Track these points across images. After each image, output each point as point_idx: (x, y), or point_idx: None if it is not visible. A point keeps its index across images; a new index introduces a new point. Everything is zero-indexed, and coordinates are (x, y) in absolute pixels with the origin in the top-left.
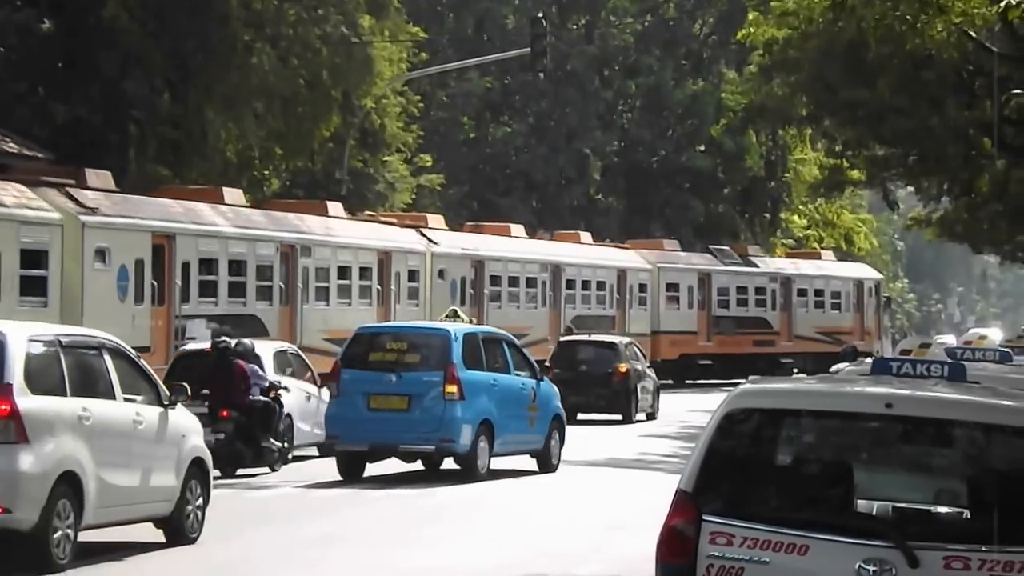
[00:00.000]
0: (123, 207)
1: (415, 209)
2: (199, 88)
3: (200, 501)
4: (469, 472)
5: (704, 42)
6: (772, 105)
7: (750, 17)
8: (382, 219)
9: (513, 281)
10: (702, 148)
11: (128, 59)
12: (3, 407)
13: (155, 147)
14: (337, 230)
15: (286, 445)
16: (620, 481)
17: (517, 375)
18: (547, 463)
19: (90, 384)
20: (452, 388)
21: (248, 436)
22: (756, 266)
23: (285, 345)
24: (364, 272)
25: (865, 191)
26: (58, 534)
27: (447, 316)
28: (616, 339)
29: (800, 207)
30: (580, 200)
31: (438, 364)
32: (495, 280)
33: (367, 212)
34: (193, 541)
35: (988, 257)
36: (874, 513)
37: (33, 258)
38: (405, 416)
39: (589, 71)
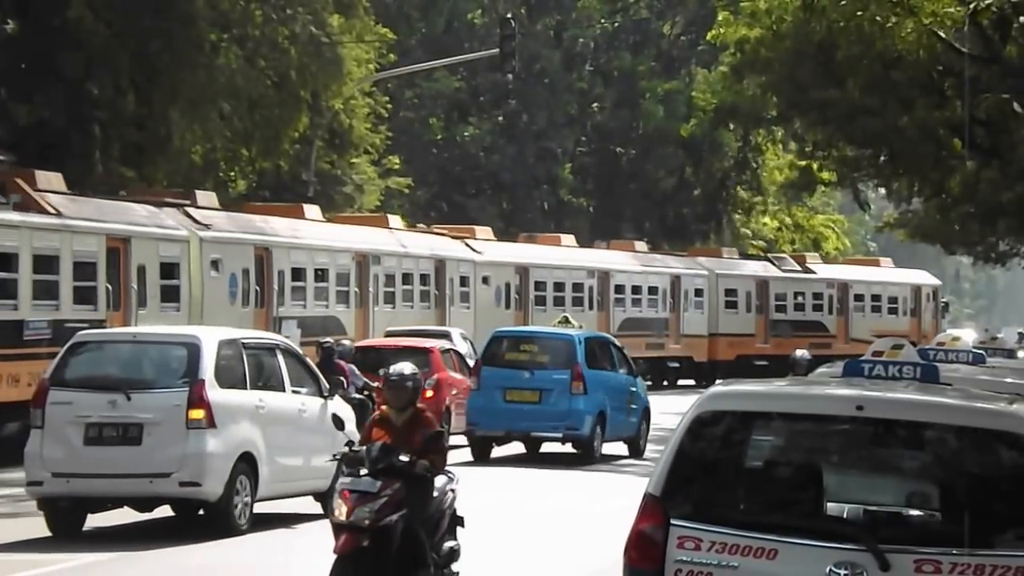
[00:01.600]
0: (230, 223)
1: (383, 211)
2: (164, 89)
3: None
4: (588, 456)
5: (674, 42)
6: (743, 105)
7: (720, 17)
8: (435, 231)
9: (559, 287)
10: (672, 149)
11: (92, 60)
12: (197, 399)
13: (119, 149)
14: (399, 241)
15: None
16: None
17: (619, 372)
18: (637, 449)
19: (265, 379)
20: (577, 384)
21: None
22: (814, 273)
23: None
24: (424, 278)
25: (836, 191)
26: (238, 504)
27: (559, 322)
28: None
29: (770, 208)
30: (550, 201)
31: (565, 364)
32: (540, 286)
33: (420, 225)
34: None
35: (961, 258)
36: (845, 516)
37: (167, 270)
38: (537, 408)
39: (558, 71)
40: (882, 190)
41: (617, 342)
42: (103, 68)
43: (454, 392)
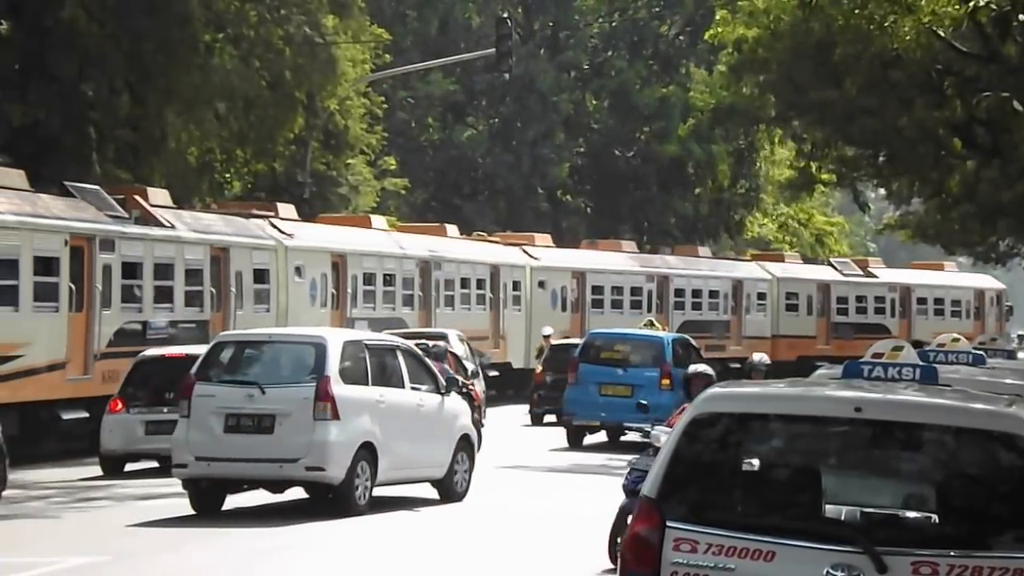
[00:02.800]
0: (309, 233)
1: (379, 212)
2: (159, 90)
3: (467, 468)
4: None
5: (672, 42)
6: (741, 106)
7: (718, 16)
8: (490, 239)
9: (617, 291)
10: (671, 148)
11: (86, 60)
12: (324, 393)
13: (114, 150)
14: (457, 249)
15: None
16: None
17: None
18: None
19: (386, 376)
20: (666, 381)
21: None
22: (876, 277)
23: None
24: (480, 283)
25: (835, 192)
26: (359, 487)
27: (645, 325)
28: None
29: (769, 209)
30: (546, 203)
31: (655, 363)
32: (597, 290)
33: (476, 232)
34: (461, 499)
35: (961, 258)
36: (842, 518)
37: (259, 275)
38: (629, 401)
39: (555, 72)
40: (882, 190)
41: (695, 343)
42: (97, 68)
43: None
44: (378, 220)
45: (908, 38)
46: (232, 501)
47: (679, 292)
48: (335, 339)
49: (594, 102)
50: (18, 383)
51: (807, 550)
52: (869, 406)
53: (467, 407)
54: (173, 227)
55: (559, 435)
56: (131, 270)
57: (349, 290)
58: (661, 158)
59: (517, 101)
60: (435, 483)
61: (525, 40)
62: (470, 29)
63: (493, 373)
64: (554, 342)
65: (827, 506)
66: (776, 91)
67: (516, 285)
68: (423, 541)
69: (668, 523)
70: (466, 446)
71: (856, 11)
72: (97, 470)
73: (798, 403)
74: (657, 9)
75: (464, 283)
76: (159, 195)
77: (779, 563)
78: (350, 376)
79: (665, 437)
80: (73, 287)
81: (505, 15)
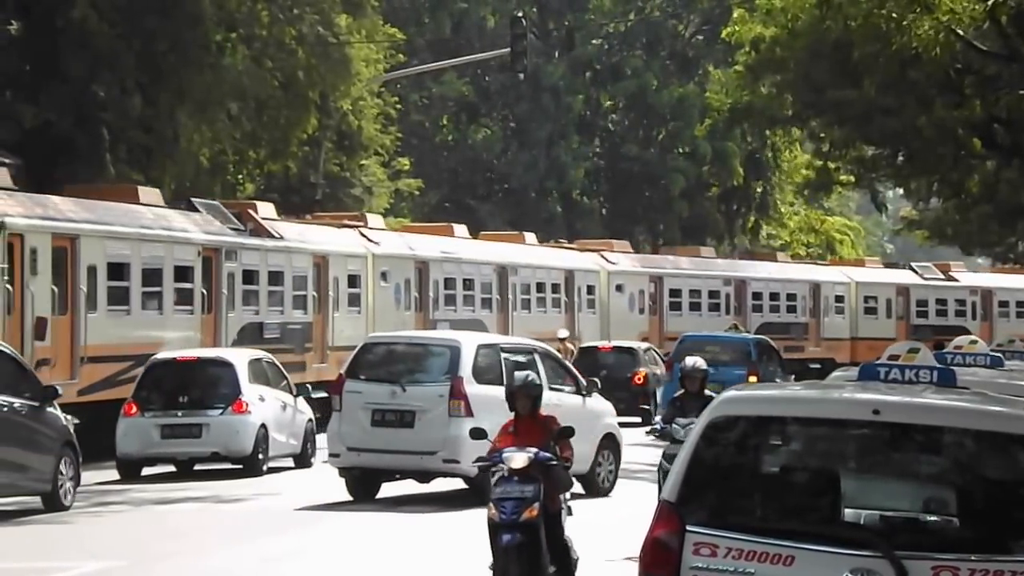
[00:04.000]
0: (394, 242)
1: (392, 214)
2: (171, 90)
3: (611, 465)
4: None
5: (689, 41)
6: (759, 105)
7: (735, 15)
8: (567, 246)
9: (694, 293)
10: (687, 150)
11: (98, 61)
12: (456, 392)
13: (126, 150)
14: (533, 255)
15: None
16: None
17: (778, 370)
18: None
19: None
20: (753, 378)
21: None
22: (956, 280)
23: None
24: (555, 287)
25: (853, 193)
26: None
27: (730, 328)
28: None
29: (784, 210)
30: (561, 203)
31: (743, 362)
32: (674, 293)
33: (554, 241)
34: (606, 494)
35: (979, 259)
36: (861, 522)
37: (352, 280)
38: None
39: (570, 73)
40: (900, 190)
41: (774, 344)
42: (109, 69)
43: None
44: (460, 229)
45: (927, 37)
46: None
47: (756, 295)
48: (470, 342)
49: (609, 103)
50: None
51: (826, 554)
52: (887, 409)
53: (611, 407)
54: (282, 238)
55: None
56: (249, 277)
57: (431, 294)
58: (677, 159)
59: (531, 101)
60: (578, 478)
61: (540, 40)
62: (484, 29)
63: None
64: (582, 345)
65: (846, 510)
66: (794, 90)
67: (591, 289)
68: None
69: (688, 527)
70: (611, 444)
71: (874, 10)
72: (114, 473)
73: (816, 406)
74: (671, 9)
75: (540, 287)
76: (266, 208)
77: (798, 567)
78: (485, 377)
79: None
80: (204, 292)
81: (520, 15)
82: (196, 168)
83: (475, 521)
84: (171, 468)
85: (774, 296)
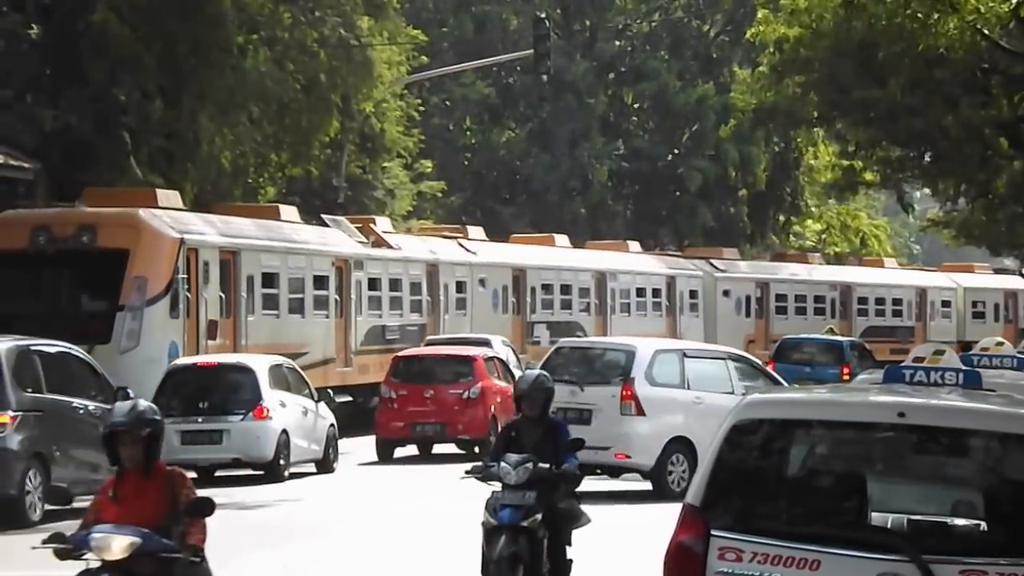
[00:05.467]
0: (492, 251)
1: (415, 216)
2: (192, 93)
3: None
4: None
5: (713, 42)
6: (783, 106)
7: (760, 15)
8: (673, 253)
9: (800, 299)
10: (712, 152)
11: (118, 64)
12: (627, 392)
13: (147, 154)
14: (634, 262)
15: None
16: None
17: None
18: None
19: (706, 381)
20: (846, 377)
21: None
22: None
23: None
24: (655, 292)
25: (879, 193)
26: (673, 474)
27: (827, 331)
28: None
29: (813, 209)
30: (585, 206)
31: (837, 362)
32: (781, 298)
33: (659, 249)
34: None
35: (1007, 260)
36: (888, 526)
37: (459, 286)
38: None
39: (593, 74)
40: (927, 190)
41: (868, 347)
42: (129, 72)
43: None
44: (561, 239)
45: (953, 36)
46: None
47: (862, 300)
48: (646, 347)
49: (635, 106)
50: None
51: (853, 559)
52: (913, 411)
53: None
54: (400, 249)
55: None
56: (373, 284)
57: (528, 299)
58: (700, 161)
59: (554, 102)
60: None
61: (564, 41)
62: (507, 30)
63: None
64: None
65: (873, 514)
66: (819, 91)
67: (694, 294)
68: None
69: (713, 532)
70: None
71: (899, 10)
72: None
73: (841, 409)
74: (694, 10)
75: (640, 292)
76: (383, 223)
77: (825, 572)
78: (661, 380)
79: None
80: (337, 298)
81: (543, 16)
82: (217, 171)
83: None
84: (192, 474)
85: (880, 301)
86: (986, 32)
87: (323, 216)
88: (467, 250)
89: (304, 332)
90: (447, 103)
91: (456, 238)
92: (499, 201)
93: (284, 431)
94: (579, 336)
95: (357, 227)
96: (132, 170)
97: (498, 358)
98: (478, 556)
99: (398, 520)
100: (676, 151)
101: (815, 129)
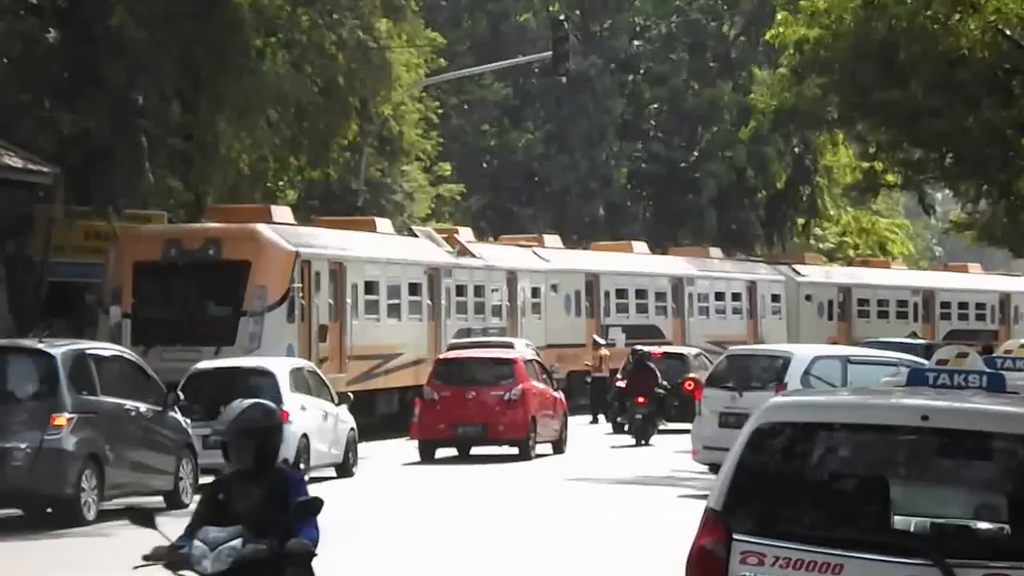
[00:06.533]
0: (565, 258)
1: (435, 219)
2: (210, 97)
3: None
4: None
5: (732, 43)
6: (804, 107)
7: (779, 17)
8: (754, 259)
9: (882, 303)
10: (728, 155)
11: (136, 68)
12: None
13: (165, 158)
14: (715, 267)
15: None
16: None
17: None
18: None
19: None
20: None
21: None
22: None
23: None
24: (735, 296)
25: (901, 195)
26: None
27: (909, 336)
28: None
29: (832, 212)
30: (604, 209)
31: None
32: (862, 302)
33: (740, 255)
34: None
35: None
36: (912, 530)
37: (534, 292)
38: None
39: (611, 76)
40: (949, 191)
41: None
42: (147, 76)
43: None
44: (640, 245)
45: (974, 37)
46: None
47: (945, 304)
48: (803, 353)
49: (653, 107)
50: (400, 373)
51: (876, 563)
52: (936, 414)
53: None
54: (482, 258)
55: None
56: (460, 290)
57: (601, 303)
58: (716, 162)
59: (571, 103)
60: None
61: (582, 43)
62: (524, 31)
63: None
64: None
65: (896, 517)
66: (839, 92)
67: (776, 298)
68: None
69: (734, 536)
70: None
71: (920, 10)
72: None
73: (863, 412)
74: (713, 10)
75: (719, 296)
76: (466, 233)
77: None
78: (820, 384)
79: None
80: (429, 303)
81: (562, 18)
82: (236, 176)
83: (525, 527)
84: (212, 479)
85: (963, 305)
86: (1008, 33)
87: (412, 228)
88: (541, 257)
89: (400, 335)
90: (465, 105)
91: (531, 246)
92: (517, 203)
93: (304, 435)
94: (655, 339)
95: (444, 237)
96: (149, 175)
97: (538, 360)
98: (500, 561)
99: (417, 526)
100: (695, 153)
101: (835, 131)
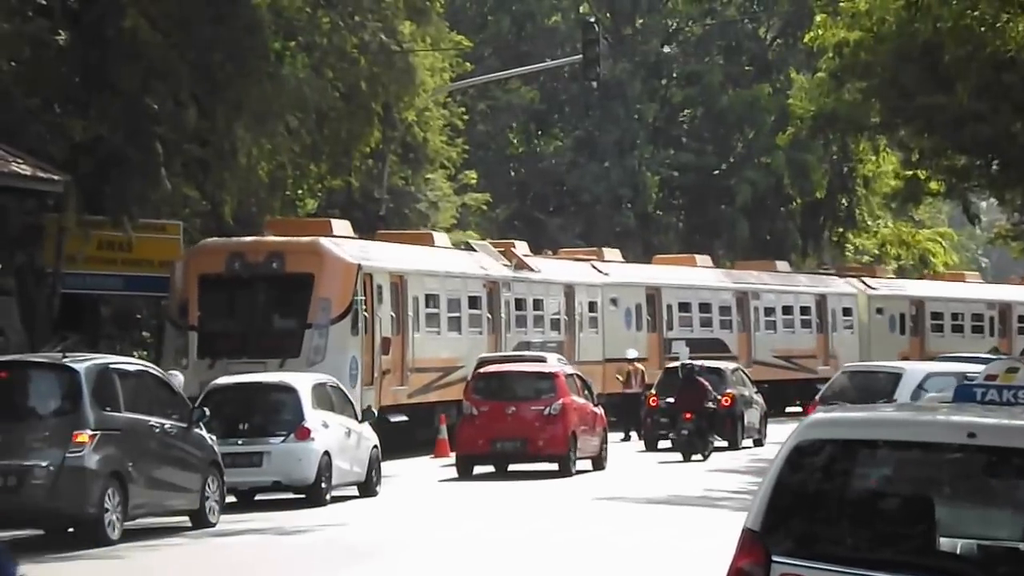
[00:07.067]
0: (625, 272)
1: (459, 228)
2: (227, 102)
3: None
4: None
5: (770, 46)
6: (844, 113)
7: (818, 19)
8: (823, 271)
9: (956, 316)
10: (766, 161)
11: (150, 72)
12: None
13: (181, 165)
14: (782, 280)
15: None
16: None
17: None
18: None
19: None
20: None
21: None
22: None
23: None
24: (804, 309)
25: (944, 204)
26: None
27: (991, 351)
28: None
29: (870, 223)
30: (635, 218)
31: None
32: (936, 316)
33: (816, 265)
34: None
35: None
36: (958, 552)
37: (591, 306)
38: None
39: (642, 80)
40: (994, 200)
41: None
42: (162, 80)
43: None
44: (703, 259)
45: (1022, 38)
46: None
47: (1022, 319)
48: (916, 370)
49: (686, 111)
50: (460, 386)
51: None
52: (984, 432)
53: None
54: (540, 271)
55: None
56: (519, 304)
57: (664, 316)
58: (753, 170)
59: (601, 108)
60: None
61: (613, 45)
62: (551, 33)
63: None
64: (670, 365)
65: (941, 539)
66: (881, 97)
67: (847, 311)
68: None
69: (773, 558)
70: None
71: (966, 11)
72: None
73: (907, 428)
74: (749, 11)
75: (786, 310)
76: (522, 247)
77: None
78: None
79: None
80: (489, 316)
81: (592, 20)
82: (255, 184)
83: (556, 547)
84: (231, 499)
85: None
86: None
87: (470, 242)
88: (600, 271)
89: (460, 347)
90: (490, 111)
91: (590, 260)
92: (546, 213)
93: (326, 453)
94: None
95: (500, 251)
96: (165, 182)
97: (578, 375)
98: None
99: (445, 546)
100: (730, 159)
101: (877, 137)
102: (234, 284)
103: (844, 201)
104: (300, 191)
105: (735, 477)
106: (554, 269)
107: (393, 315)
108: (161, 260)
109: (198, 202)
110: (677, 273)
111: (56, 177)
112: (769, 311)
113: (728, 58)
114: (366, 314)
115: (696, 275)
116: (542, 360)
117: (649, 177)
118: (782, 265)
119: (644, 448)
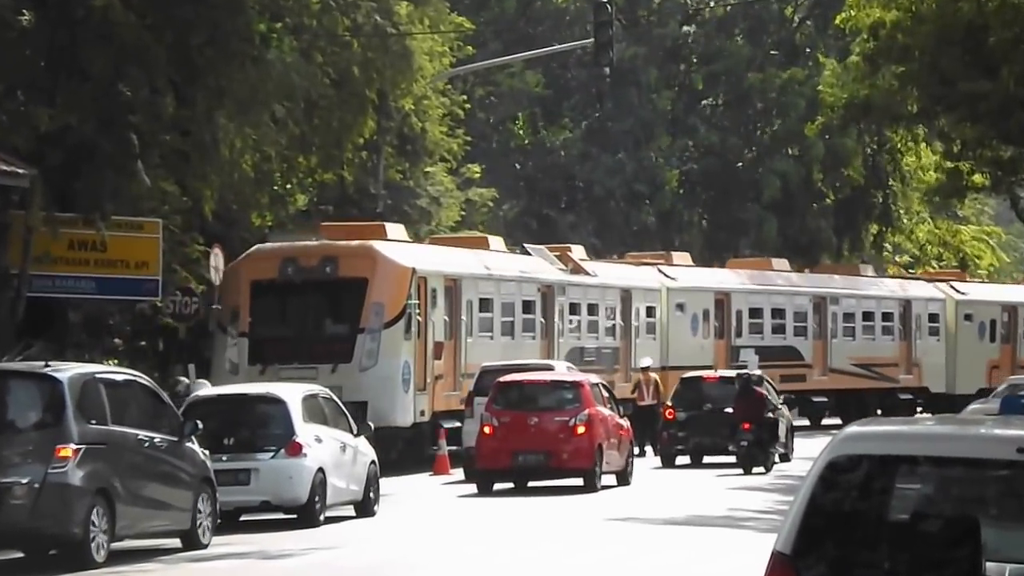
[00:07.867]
0: (691, 277)
1: (464, 227)
2: (208, 89)
3: None
4: None
5: (798, 28)
6: (879, 100)
7: None
8: (908, 275)
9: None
10: (795, 151)
11: (124, 56)
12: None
13: (158, 157)
14: (863, 284)
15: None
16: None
17: None
18: None
19: None
20: None
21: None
22: None
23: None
24: (886, 316)
25: (989, 199)
26: None
27: None
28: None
29: (906, 221)
30: (655, 215)
31: None
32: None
33: (898, 270)
34: None
35: None
36: None
37: (649, 311)
38: None
39: (659, 66)
40: None
41: None
42: (136, 65)
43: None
44: (780, 262)
45: None
46: None
47: None
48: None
49: (707, 100)
50: None
51: None
52: None
53: None
54: (596, 276)
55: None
56: (573, 309)
57: (733, 322)
58: (783, 161)
59: (614, 97)
60: None
61: (627, 28)
62: (557, 13)
63: None
64: (685, 376)
65: (987, 563)
66: (919, 83)
67: (933, 317)
68: None
69: None
70: None
71: None
72: None
73: (951, 443)
74: None
75: (867, 316)
76: (578, 251)
77: None
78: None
79: None
80: (543, 321)
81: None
82: (239, 178)
83: (568, 570)
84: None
85: None
86: None
87: (525, 245)
88: (666, 275)
89: (513, 353)
90: (493, 98)
91: (657, 263)
92: (556, 209)
93: (320, 470)
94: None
95: (556, 255)
96: (140, 176)
97: (604, 384)
98: None
99: (447, 570)
100: (754, 148)
101: (915, 127)
102: (286, 289)
103: (879, 197)
104: (288, 185)
105: (760, 495)
106: (611, 273)
107: (447, 319)
108: (138, 261)
109: (178, 198)
110: (743, 278)
111: (21, 171)
112: (848, 316)
113: (752, 41)
114: (419, 318)
115: (767, 278)
116: (550, 368)
117: (667, 171)
118: (864, 268)
119: (660, 464)
